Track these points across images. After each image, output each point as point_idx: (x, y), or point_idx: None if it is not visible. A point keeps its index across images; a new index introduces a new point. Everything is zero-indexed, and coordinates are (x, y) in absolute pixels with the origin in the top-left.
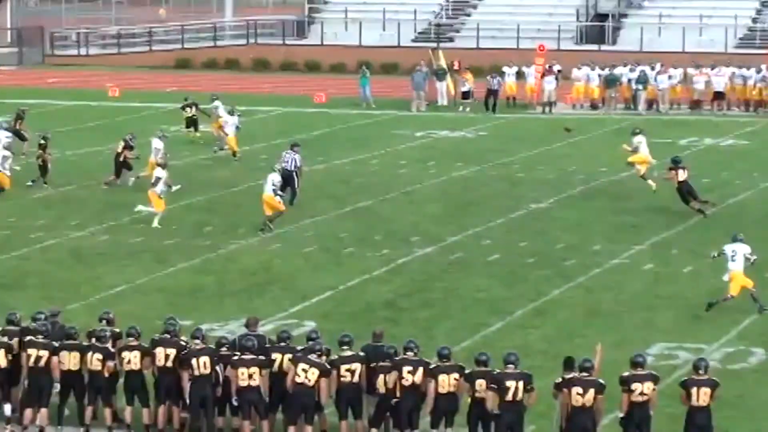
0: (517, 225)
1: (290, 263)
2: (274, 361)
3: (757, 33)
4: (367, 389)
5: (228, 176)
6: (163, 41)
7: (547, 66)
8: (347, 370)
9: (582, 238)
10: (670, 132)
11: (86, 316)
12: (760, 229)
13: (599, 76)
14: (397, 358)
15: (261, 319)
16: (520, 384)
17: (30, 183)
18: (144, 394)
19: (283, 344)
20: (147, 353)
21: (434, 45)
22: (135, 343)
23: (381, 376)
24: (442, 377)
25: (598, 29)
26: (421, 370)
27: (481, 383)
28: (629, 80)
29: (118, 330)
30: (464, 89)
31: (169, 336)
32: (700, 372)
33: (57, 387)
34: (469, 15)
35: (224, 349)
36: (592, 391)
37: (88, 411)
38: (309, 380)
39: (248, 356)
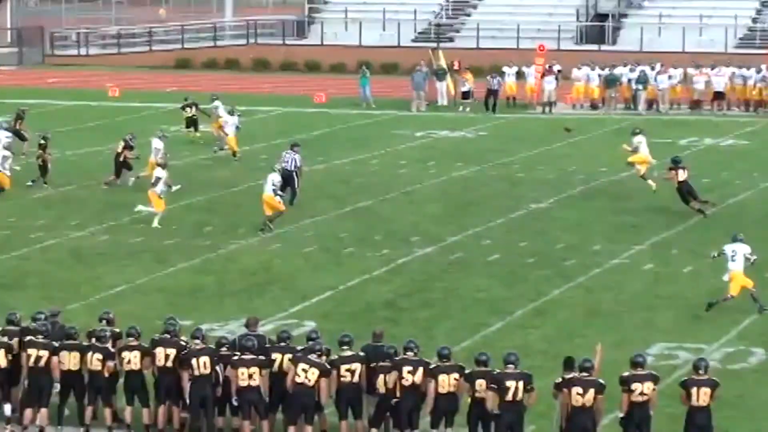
0: (517, 225)
1: (290, 263)
2: (274, 361)
3: (757, 33)
4: (367, 389)
5: (228, 176)
6: (163, 41)
7: (547, 66)
8: (347, 370)
9: (582, 238)
10: (670, 132)
11: (86, 316)
12: (760, 229)
13: (599, 76)
14: (397, 358)
15: (261, 319)
16: (520, 384)
17: (30, 183)
18: (144, 394)
19: (283, 344)
20: (147, 353)
21: (434, 45)
22: (135, 343)
23: (381, 376)
24: (442, 377)
25: (598, 29)
26: (421, 370)
27: (481, 383)
28: (629, 80)
29: (118, 330)
30: (464, 89)
31: (169, 336)
32: (700, 372)
33: (57, 387)
34: (469, 15)
35: (224, 349)
36: (592, 391)
37: (88, 411)
38: (309, 380)
39: (248, 356)
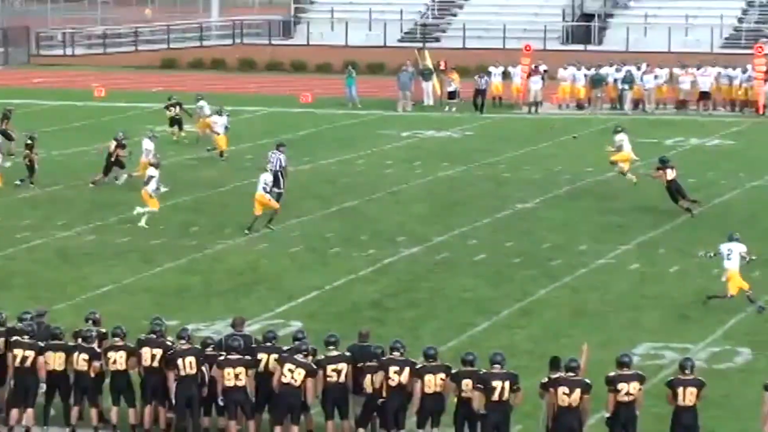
0: (503, 225)
1: (276, 263)
2: (260, 361)
3: (742, 33)
4: (353, 389)
5: (214, 176)
6: (149, 41)
7: (533, 66)
8: (333, 370)
9: (568, 238)
10: (656, 132)
11: (72, 316)
12: (746, 229)
13: (585, 76)
14: (383, 358)
15: (247, 319)
16: (507, 384)
17: (18, 182)
18: (130, 394)
19: (269, 344)
20: (133, 353)
21: (420, 45)
22: (121, 343)
23: (368, 376)
24: (428, 377)
25: (584, 29)
26: (407, 370)
27: (467, 383)
28: (615, 80)
29: (104, 330)
30: (450, 89)
31: (155, 336)
32: (686, 372)
33: (43, 387)
34: (455, 15)
35: (210, 349)
36: (578, 391)
37: (74, 411)
38: (295, 380)
39: (234, 356)
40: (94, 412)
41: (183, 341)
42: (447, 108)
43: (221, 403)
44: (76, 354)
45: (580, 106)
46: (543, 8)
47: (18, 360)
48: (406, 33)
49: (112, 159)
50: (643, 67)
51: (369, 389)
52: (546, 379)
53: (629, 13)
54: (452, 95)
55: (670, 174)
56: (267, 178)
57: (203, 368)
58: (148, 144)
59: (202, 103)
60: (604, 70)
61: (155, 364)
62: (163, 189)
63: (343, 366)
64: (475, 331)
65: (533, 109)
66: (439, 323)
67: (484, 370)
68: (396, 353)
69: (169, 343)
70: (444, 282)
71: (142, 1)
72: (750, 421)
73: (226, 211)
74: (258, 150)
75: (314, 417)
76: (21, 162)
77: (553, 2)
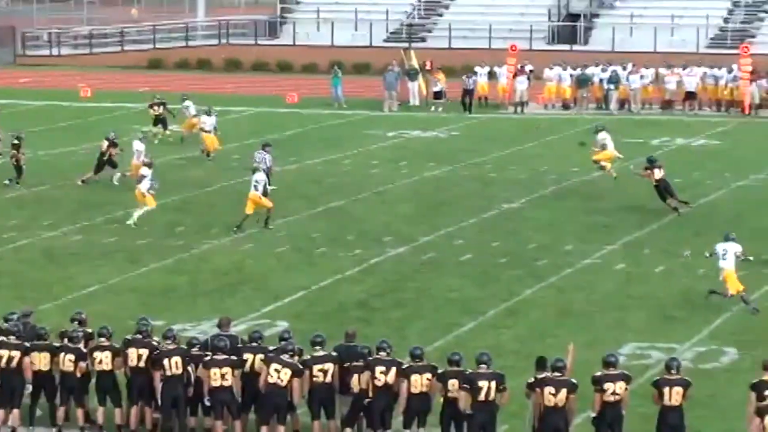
0: (489, 225)
1: (262, 263)
2: (246, 361)
3: (728, 33)
4: (339, 389)
5: (201, 176)
6: (135, 41)
7: (519, 66)
8: (320, 371)
9: (554, 238)
10: (641, 132)
11: (58, 317)
12: (732, 229)
13: (571, 76)
14: (370, 358)
15: (233, 319)
16: (493, 384)
17: (6, 182)
18: (116, 394)
19: (255, 344)
20: (118, 353)
21: (406, 45)
22: (106, 343)
23: (355, 376)
24: (414, 377)
25: (569, 29)
26: (393, 370)
27: (453, 383)
28: (601, 80)
29: (90, 330)
30: (436, 89)
31: (141, 336)
32: (672, 371)
33: (29, 388)
34: (441, 15)
35: (196, 349)
36: (564, 391)
37: (60, 411)
38: (281, 380)
39: (220, 356)
40: (80, 412)
41: (169, 341)
42: (433, 108)
43: (207, 404)
44: (62, 354)
45: (565, 106)
46: (529, 8)
47: (3, 360)
48: (391, 33)
49: (105, 158)
50: (629, 67)
51: (355, 389)
52: (532, 379)
53: (615, 13)
54: (438, 95)
55: (658, 173)
56: (259, 177)
57: (189, 368)
58: (138, 145)
59: (187, 102)
60: (589, 70)
61: (141, 364)
62: (156, 185)
63: (329, 366)
64: (462, 331)
65: (519, 109)
66: (426, 323)
67: (471, 370)
68: (382, 353)
69: (155, 344)
70: (430, 282)
71: (128, 1)
72: (736, 421)
73: (213, 211)
74: (244, 150)
75: (300, 417)
76: (8, 162)
77: (539, 2)
